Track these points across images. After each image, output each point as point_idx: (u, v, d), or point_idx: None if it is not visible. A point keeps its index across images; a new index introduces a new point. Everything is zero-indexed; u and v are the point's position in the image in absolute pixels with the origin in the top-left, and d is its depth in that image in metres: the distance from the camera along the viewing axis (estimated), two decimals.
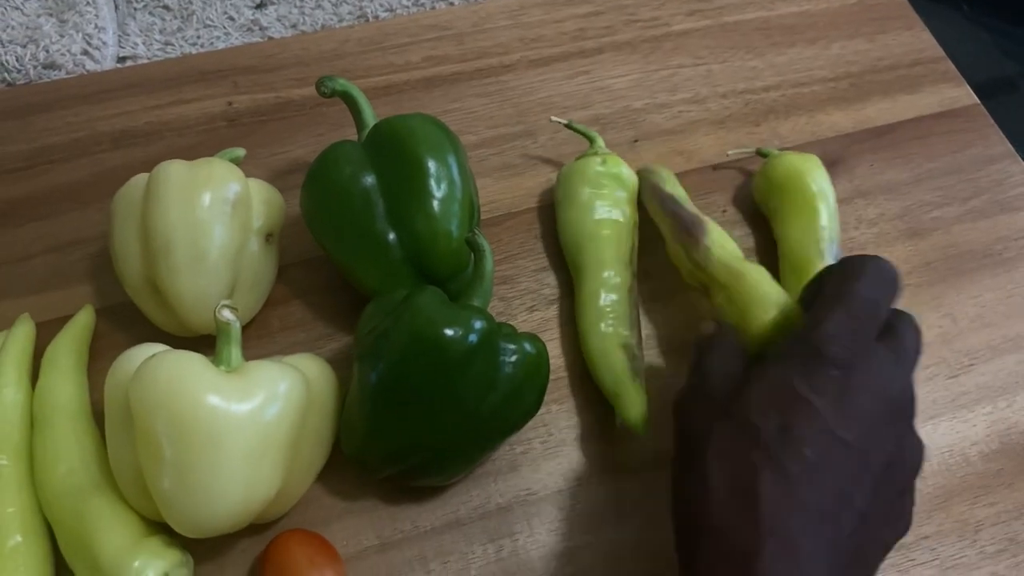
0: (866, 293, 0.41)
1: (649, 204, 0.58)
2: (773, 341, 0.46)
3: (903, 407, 0.41)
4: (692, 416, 0.42)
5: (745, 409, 0.39)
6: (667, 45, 0.70)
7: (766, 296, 0.47)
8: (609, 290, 0.54)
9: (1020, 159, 0.66)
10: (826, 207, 0.57)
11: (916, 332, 0.43)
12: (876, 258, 0.43)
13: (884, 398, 0.40)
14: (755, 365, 0.42)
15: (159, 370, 0.42)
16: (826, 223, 0.56)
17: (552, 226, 0.60)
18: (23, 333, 0.53)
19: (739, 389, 0.41)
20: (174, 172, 0.50)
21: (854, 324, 0.40)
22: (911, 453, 0.42)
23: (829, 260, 0.55)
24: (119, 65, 0.70)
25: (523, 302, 0.58)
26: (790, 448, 0.37)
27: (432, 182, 0.50)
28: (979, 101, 0.69)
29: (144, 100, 0.66)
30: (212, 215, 0.49)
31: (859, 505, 0.38)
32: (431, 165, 0.51)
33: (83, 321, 0.54)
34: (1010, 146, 0.67)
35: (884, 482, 0.39)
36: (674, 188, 0.58)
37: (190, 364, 0.43)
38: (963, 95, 0.69)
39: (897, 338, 0.42)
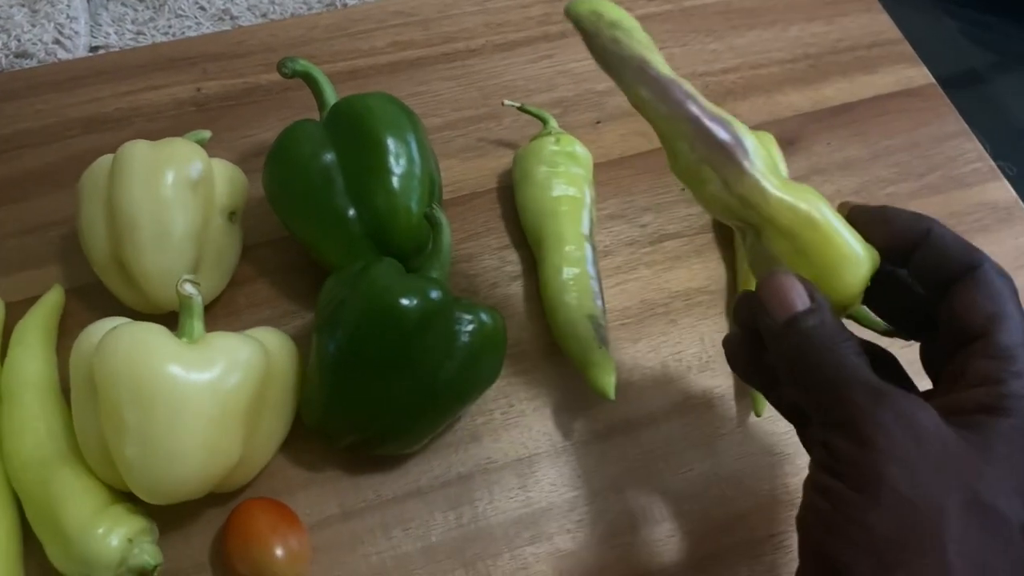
0: None
1: (634, 90, 0.39)
2: (856, 310, 0.37)
3: None
4: (913, 477, 0.31)
5: (994, 494, 0.31)
6: None
7: (853, 251, 0.36)
8: (571, 264, 0.55)
9: (974, 137, 0.67)
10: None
11: None
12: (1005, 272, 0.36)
13: None
14: (971, 423, 0.33)
15: (121, 340, 0.43)
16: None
17: (514, 206, 0.61)
18: None
19: (971, 455, 0.32)
20: (138, 152, 0.51)
21: None
22: None
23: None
24: (90, 55, 0.71)
25: (485, 279, 0.59)
26: None
27: (391, 159, 0.52)
28: (935, 81, 0.70)
29: (114, 87, 0.67)
30: (175, 193, 0.50)
31: None
32: (390, 142, 0.52)
33: (52, 300, 0.55)
34: (964, 124, 0.68)
35: None
36: (662, 64, 0.39)
37: (152, 334, 0.44)
38: (920, 75, 0.71)
39: None
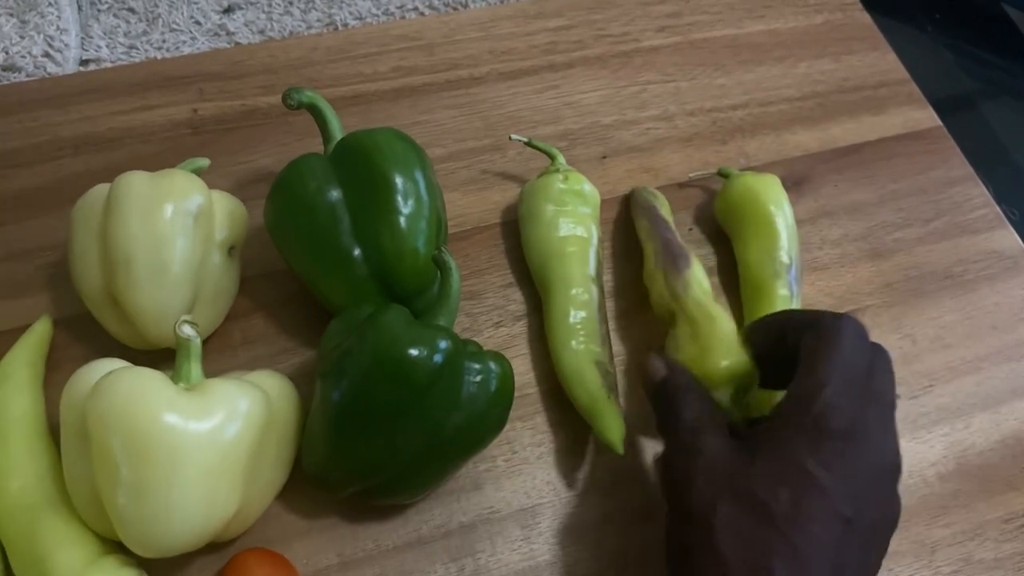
0: (853, 358, 0.41)
1: (639, 221, 0.59)
2: (718, 387, 0.47)
3: (891, 472, 0.42)
4: (693, 489, 0.41)
5: (754, 485, 0.39)
6: (637, 61, 0.71)
7: (730, 345, 0.48)
8: (578, 307, 0.54)
9: (980, 182, 0.67)
10: (785, 228, 0.57)
11: (891, 377, 0.43)
12: (848, 317, 0.43)
13: (877, 465, 0.40)
14: (751, 434, 0.42)
15: (116, 387, 0.41)
16: (784, 245, 0.57)
17: (519, 241, 0.60)
18: None
19: (741, 460, 0.40)
20: (135, 183, 0.49)
21: (850, 392, 0.40)
22: (892, 513, 0.42)
23: (787, 282, 0.56)
24: (81, 68, 0.69)
25: (489, 318, 0.58)
26: (801, 527, 0.37)
27: (399, 198, 0.50)
28: (942, 123, 0.70)
29: (107, 105, 0.65)
30: (174, 228, 0.48)
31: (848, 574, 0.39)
32: (398, 181, 0.50)
33: (40, 332, 0.53)
34: (971, 169, 0.68)
35: (866, 543, 0.40)
36: (667, 214, 0.59)
37: (148, 381, 0.42)
38: (927, 117, 0.70)
39: (881, 398, 0.42)
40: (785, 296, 0.55)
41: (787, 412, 0.41)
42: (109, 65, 0.68)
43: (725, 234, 0.61)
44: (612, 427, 0.50)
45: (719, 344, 0.48)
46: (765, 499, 0.38)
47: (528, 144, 0.60)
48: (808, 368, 0.41)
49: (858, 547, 0.39)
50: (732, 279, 0.60)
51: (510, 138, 0.61)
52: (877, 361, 0.43)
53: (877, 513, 0.40)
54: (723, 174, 0.61)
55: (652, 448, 0.53)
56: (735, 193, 0.59)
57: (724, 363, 0.47)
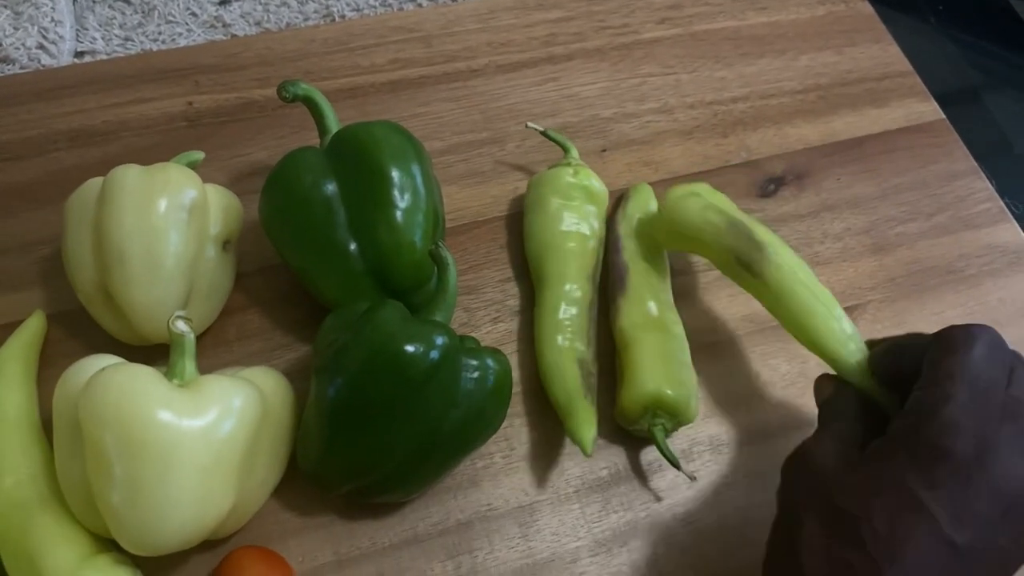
0: (986, 370, 0.37)
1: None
2: (633, 421, 0.50)
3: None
4: (793, 486, 0.40)
5: (848, 499, 0.37)
6: (637, 53, 0.70)
7: (645, 378, 0.50)
8: (570, 303, 0.53)
9: (983, 176, 0.66)
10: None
11: None
12: (981, 325, 0.39)
13: (1004, 492, 0.35)
14: (869, 445, 0.39)
15: (110, 384, 0.41)
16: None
17: (518, 236, 0.59)
18: None
19: (847, 471, 0.38)
20: (129, 177, 0.48)
21: (979, 409, 0.36)
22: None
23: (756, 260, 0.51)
24: (76, 60, 0.68)
25: (487, 313, 0.57)
26: (895, 552, 0.35)
27: (395, 192, 0.50)
28: (944, 116, 0.69)
29: (102, 98, 0.64)
30: (168, 222, 0.48)
31: None
32: (395, 175, 0.50)
33: (33, 327, 0.52)
34: (974, 162, 0.67)
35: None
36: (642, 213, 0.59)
37: (141, 378, 0.41)
38: (929, 110, 0.70)
39: (1020, 416, 0.36)
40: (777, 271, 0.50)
41: (899, 428, 0.37)
42: (104, 57, 0.68)
43: None
44: (583, 427, 0.49)
45: (631, 378, 0.50)
46: (858, 517, 0.36)
47: (543, 134, 0.60)
48: (929, 381, 0.38)
49: None
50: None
51: (526, 126, 0.61)
52: (1019, 374, 0.38)
53: (1005, 544, 0.36)
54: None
55: (639, 449, 0.53)
56: (675, 205, 0.54)
57: (634, 397, 0.49)
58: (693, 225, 0.52)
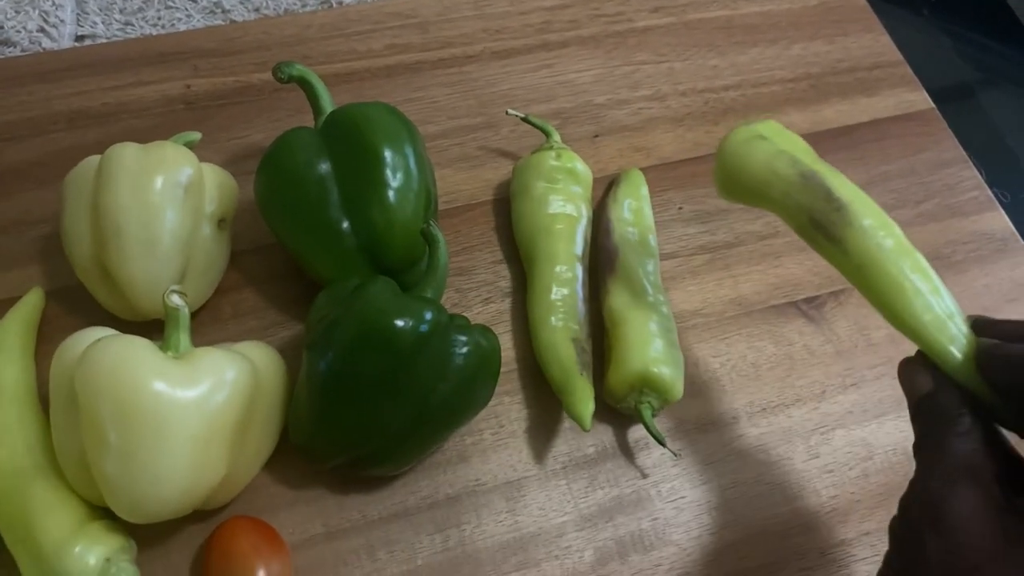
0: None
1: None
2: (620, 399, 0.49)
3: None
4: (926, 556, 0.33)
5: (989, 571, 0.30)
6: (631, 41, 0.71)
7: (632, 355, 0.50)
8: (561, 284, 0.54)
9: (972, 164, 0.67)
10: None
11: None
12: None
13: None
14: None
15: (105, 354, 0.42)
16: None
17: (509, 219, 0.60)
18: None
19: (1002, 537, 0.31)
20: (127, 155, 0.49)
21: None
22: None
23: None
24: (76, 44, 0.69)
25: (479, 294, 0.58)
26: None
27: (388, 171, 0.50)
28: (935, 106, 0.70)
29: (101, 80, 0.65)
30: (164, 199, 0.48)
31: None
32: (387, 154, 0.51)
33: (32, 303, 0.53)
34: (963, 151, 0.68)
35: None
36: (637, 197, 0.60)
37: (136, 349, 0.42)
38: (919, 99, 0.70)
39: None
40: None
41: None
42: (104, 41, 0.69)
43: (718, 209, 0.61)
44: (582, 403, 0.50)
45: (619, 356, 0.50)
46: None
47: (524, 120, 0.61)
48: None
49: None
50: (733, 252, 0.60)
51: (507, 112, 0.61)
52: None
53: None
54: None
55: (626, 428, 0.54)
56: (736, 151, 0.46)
57: (623, 375, 0.50)
58: (757, 177, 0.44)
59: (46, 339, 0.53)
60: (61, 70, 0.65)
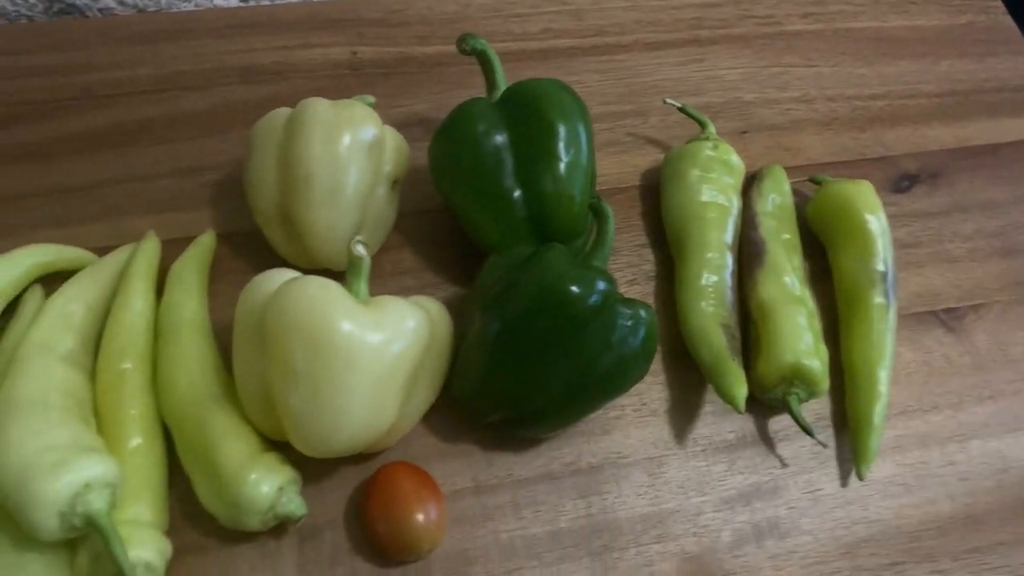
0: None
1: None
2: (769, 388, 0.51)
3: None
4: None
5: None
6: (779, 44, 0.72)
7: (785, 347, 0.52)
8: (712, 271, 0.56)
9: None
10: (880, 236, 0.57)
11: None
12: None
13: None
14: None
15: (301, 293, 0.44)
16: (880, 252, 0.57)
17: (655, 205, 0.62)
18: (150, 249, 0.55)
19: None
20: (320, 109, 0.51)
21: None
22: None
23: (883, 290, 0.56)
24: (242, 4, 0.72)
25: (624, 275, 0.59)
26: None
27: (562, 145, 0.52)
28: None
29: (268, 40, 0.68)
30: (351, 153, 0.51)
31: None
32: (562, 130, 0.52)
33: (206, 243, 0.56)
34: None
35: None
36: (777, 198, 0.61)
37: (330, 290, 0.44)
38: None
39: None
40: (881, 304, 0.56)
41: None
42: (269, 3, 0.71)
43: (818, 242, 0.62)
44: (735, 386, 0.51)
45: (770, 347, 0.52)
46: None
47: (680, 110, 0.62)
48: None
49: None
50: (826, 288, 0.60)
51: (664, 101, 0.63)
52: None
53: None
54: (815, 181, 0.62)
55: (779, 412, 0.55)
56: (829, 200, 0.60)
57: (774, 366, 0.51)
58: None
59: (215, 278, 0.56)
60: (232, 27, 0.68)
